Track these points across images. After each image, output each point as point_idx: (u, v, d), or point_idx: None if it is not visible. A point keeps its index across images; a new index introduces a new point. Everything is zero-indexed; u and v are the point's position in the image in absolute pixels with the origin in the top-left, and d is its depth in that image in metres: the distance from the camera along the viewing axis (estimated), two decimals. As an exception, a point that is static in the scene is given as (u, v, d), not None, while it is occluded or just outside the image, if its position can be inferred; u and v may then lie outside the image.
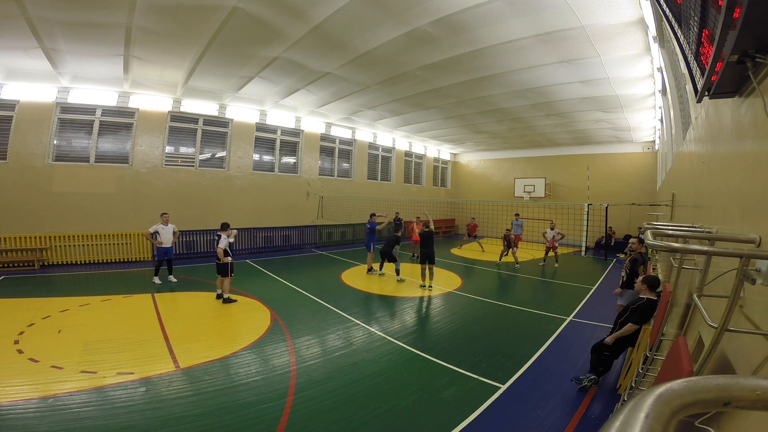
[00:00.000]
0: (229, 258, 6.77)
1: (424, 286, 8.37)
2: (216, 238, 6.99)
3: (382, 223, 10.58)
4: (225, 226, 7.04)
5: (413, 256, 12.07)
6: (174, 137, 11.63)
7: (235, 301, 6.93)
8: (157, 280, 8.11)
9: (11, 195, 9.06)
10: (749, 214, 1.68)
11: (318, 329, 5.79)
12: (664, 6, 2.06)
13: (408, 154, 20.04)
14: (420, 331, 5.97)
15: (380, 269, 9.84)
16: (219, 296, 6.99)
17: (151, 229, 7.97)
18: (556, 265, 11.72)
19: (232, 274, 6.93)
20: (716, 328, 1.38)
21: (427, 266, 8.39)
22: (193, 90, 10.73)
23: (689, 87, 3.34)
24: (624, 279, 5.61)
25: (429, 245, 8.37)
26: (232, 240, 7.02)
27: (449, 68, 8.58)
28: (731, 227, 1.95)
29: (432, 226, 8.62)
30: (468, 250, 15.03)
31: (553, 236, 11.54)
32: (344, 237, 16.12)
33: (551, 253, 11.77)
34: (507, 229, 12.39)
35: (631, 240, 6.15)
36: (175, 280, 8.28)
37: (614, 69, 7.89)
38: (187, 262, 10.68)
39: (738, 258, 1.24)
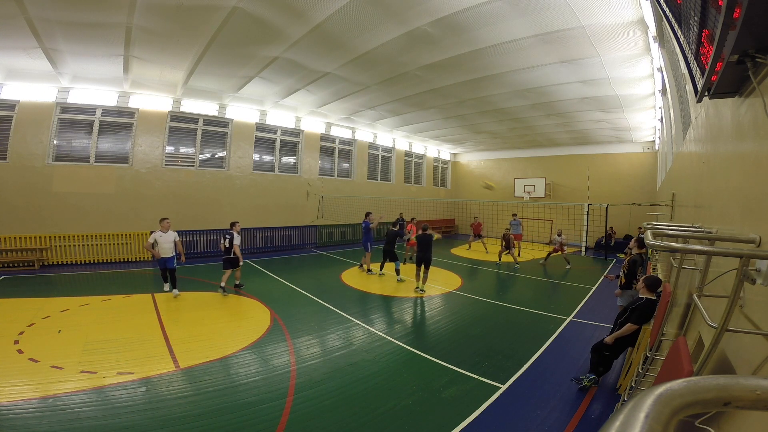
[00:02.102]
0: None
1: (418, 288, 8.16)
2: (228, 236, 7.39)
3: (373, 223, 10.29)
4: (234, 224, 7.67)
5: (405, 260, 11.58)
6: (174, 137, 11.63)
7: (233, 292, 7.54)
8: (167, 287, 7.35)
9: (11, 195, 9.06)
10: (749, 214, 1.68)
11: (318, 329, 5.79)
12: (664, 6, 2.06)
13: (408, 154, 20.04)
14: (420, 331, 5.98)
15: (380, 269, 9.82)
16: (224, 290, 7.41)
17: (151, 240, 7.00)
18: (542, 262, 12.12)
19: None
20: (716, 328, 1.38)
21: (422, 269, 8.11)
22: (193, 90, 10.73)
23: (689, 87, 3.34)
24: (622, 280, 5.61)
25: (427, 249, 8.07)
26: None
27: (449, 68, 8.58)
28: (731, 227, 1.95)
29: (430, 230, 8.33)
30: (469, 251, 15.02)
31: (560, 242, 11.75)
32: (344, 237, 16.12)
33: (555, 254, 12.02)
34: (506, 229, 12.46)
35: (632, 242, 6.17)
36: (178, 293, 7.14)
37: (614, 69, 7.89)
38: (188, 262, 10.66)
39: (738, 258, 1.24)
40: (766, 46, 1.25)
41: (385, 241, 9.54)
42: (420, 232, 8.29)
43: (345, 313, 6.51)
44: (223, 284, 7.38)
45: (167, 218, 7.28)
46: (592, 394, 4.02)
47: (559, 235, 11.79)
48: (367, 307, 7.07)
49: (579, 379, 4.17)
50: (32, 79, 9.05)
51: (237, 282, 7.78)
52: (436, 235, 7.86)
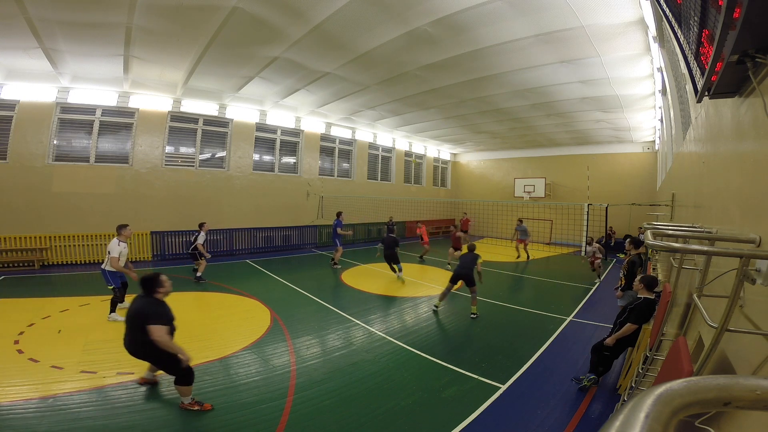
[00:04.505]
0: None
1: (437, 308, 6.89)
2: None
3: (344, 230, 10.91)
4: (201, 226, 8.77)
5: (420, 257, 12.46)
6: (174, 137, 11.62)
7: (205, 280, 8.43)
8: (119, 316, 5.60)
9: (11, 195, 9.05)
10: (749, 214, 1.68)
11: (318, 329, 5.79)
12: (664, 6, 2.06)
13: (408, 154, 20.03)
14: (420, 331, 5.97)
15: (398, 272, 9.46)
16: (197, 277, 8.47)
17: (115, 253, 5.57)
18: (597, 281, 9.88)
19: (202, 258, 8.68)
20: (716, 328, 1.39)
21: (458, 286, 6.82)
22: (193, 90, 10.72)
23: (689, 87, 3.34)
24: (622, 282, 5.60)
25: (470, 267, 6.62)
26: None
27: (449, 68, 8.58)
28: (731, 227, 1.95)
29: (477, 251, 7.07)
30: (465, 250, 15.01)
31: (594, 252, 9.99)
32: (344, 237, 16.11)
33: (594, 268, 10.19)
34: (454, 226, 12.92)
35: (627, 242, 6.17)
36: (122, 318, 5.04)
37: (614, 69, 7.89)
38: (188, 262, 10.67)
39: (738, 258, 1.24)
40: (766, 46, 1.25)
41: (386, 246, 9.40)
42: (466, 251, 7.17)
43: (345, 313, 6.51)
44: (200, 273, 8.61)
45: (128, 225, 5.99)
46: (592, 394, 4.02)
47: (590, 244, 10.12)
48: (367, 307, 7.07)
49: (579, 379, 4.17)
50: (32, 79, 9.04)
51: (199, 273, 8.63)
52: (480, 260, 6.79)
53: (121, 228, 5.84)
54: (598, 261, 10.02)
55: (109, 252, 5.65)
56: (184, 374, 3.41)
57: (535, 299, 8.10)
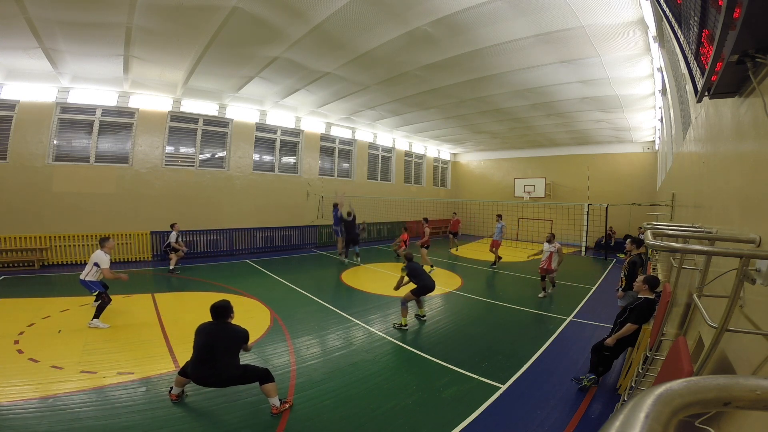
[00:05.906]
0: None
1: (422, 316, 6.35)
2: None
3: (344, 211, 11.62)
4: (173, 226, 9.53)
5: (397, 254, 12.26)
6: (174, 137, 11.62)
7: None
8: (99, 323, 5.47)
9: (11, 195, 9.05)
10: (749, 214, 1.68)
11: (318, 329, 5.79)
12: (664, 6, 2.07)
13: (408, 154, 20.03)
14: (420, 331, 5.97)
15: (346, 256, 11.39)
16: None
17: (105, 264, 5.62)
18: (541, 295, 7.99)
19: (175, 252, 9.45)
20: (716, 328, 1.39)
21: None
22: (193, 90, 10.72)
23: (689, 87, 3.34)
24: (623, 282, 5.59)
25: (422, 276, 6.21)
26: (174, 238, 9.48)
27: (449, 68, 8.58)
28: (731, 227, 1.95)
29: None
30: (465, 250, 15.01)
31: (552, 253, 7.84)
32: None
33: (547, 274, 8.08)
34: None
35: (628, 242, 6.15)
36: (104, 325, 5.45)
37: (614, 69, 7.89)
38: (190, 261, 10.68)
39: (738, 258, 1.24)
40: (766, 46, 1.25)
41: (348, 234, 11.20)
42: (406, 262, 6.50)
43: (345, 313, 6.51)
44: (171, 267, 9.35)
45: (111, 238, 6.13)
46: (592, 394, 4.02)
47: (549, 242, 7.97)
48: (367, 307, 7.06)
49: (579, 379, 4.17)
50: (32, 79, 9.04)
51: (171, 267, 9.36)
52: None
53: (104, 240, 5.88)
54: (553, 276, 8.01)
55: (96, 264, 5.63)
56: (264, 374, 3.49)
57: (535, 299, 8.07)
